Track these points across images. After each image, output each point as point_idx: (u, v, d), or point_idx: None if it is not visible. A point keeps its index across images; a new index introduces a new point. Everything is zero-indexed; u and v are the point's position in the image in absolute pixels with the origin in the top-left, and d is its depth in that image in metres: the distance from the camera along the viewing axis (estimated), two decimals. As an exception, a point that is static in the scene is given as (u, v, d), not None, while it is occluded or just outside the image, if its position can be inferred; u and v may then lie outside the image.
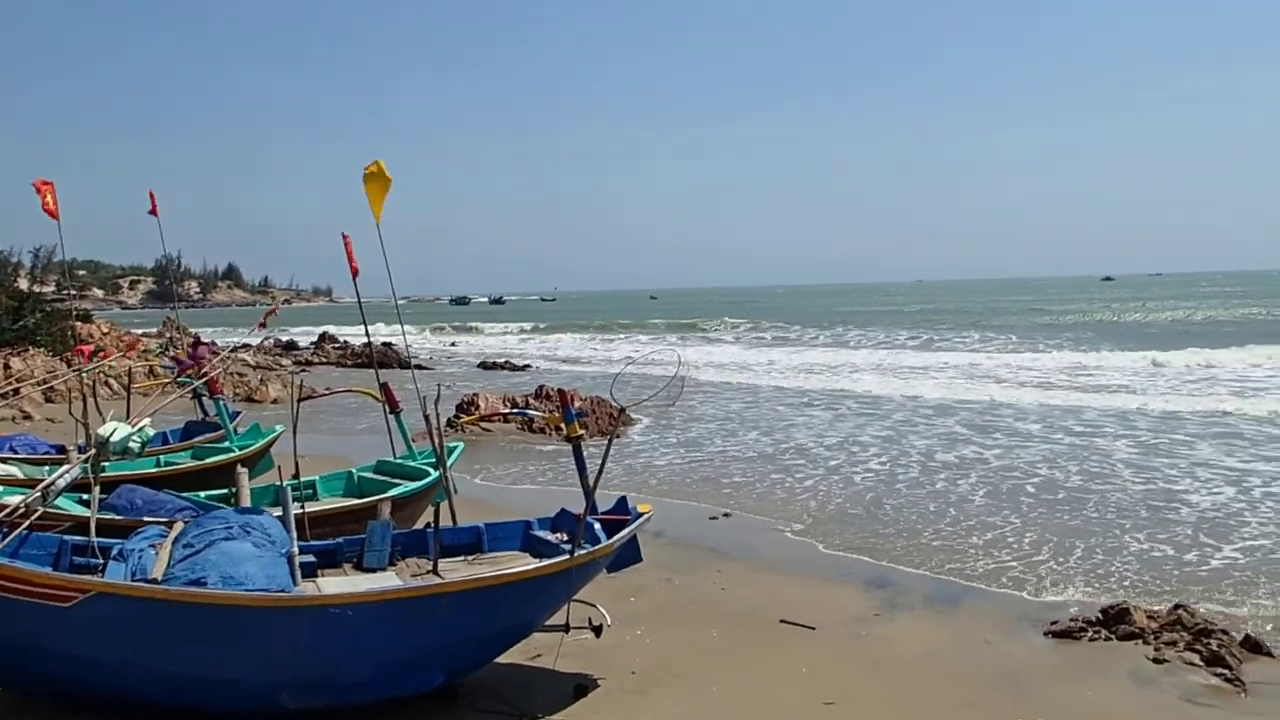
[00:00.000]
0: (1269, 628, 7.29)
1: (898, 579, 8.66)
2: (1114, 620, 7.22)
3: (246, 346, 28.09)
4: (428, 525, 6.36)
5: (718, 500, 11.94)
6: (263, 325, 14.69)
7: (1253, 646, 6.86)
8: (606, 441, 6.43)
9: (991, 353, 35.12)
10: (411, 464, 9.29)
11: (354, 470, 9.44)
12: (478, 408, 18.55)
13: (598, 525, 6.26)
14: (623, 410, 6.71)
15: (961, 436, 16.61)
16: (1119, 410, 19.24)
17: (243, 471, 7.31)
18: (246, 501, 6.83)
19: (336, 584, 5.75)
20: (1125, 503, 11.31)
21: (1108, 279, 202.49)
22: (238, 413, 12.76)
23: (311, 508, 7.62)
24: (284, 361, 35.71)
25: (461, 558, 6.37)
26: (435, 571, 5.96)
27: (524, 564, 5.84)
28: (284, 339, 44.86)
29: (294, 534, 5.60)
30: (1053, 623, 7.41)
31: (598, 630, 6.13)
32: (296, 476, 7.85)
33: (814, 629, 7.22)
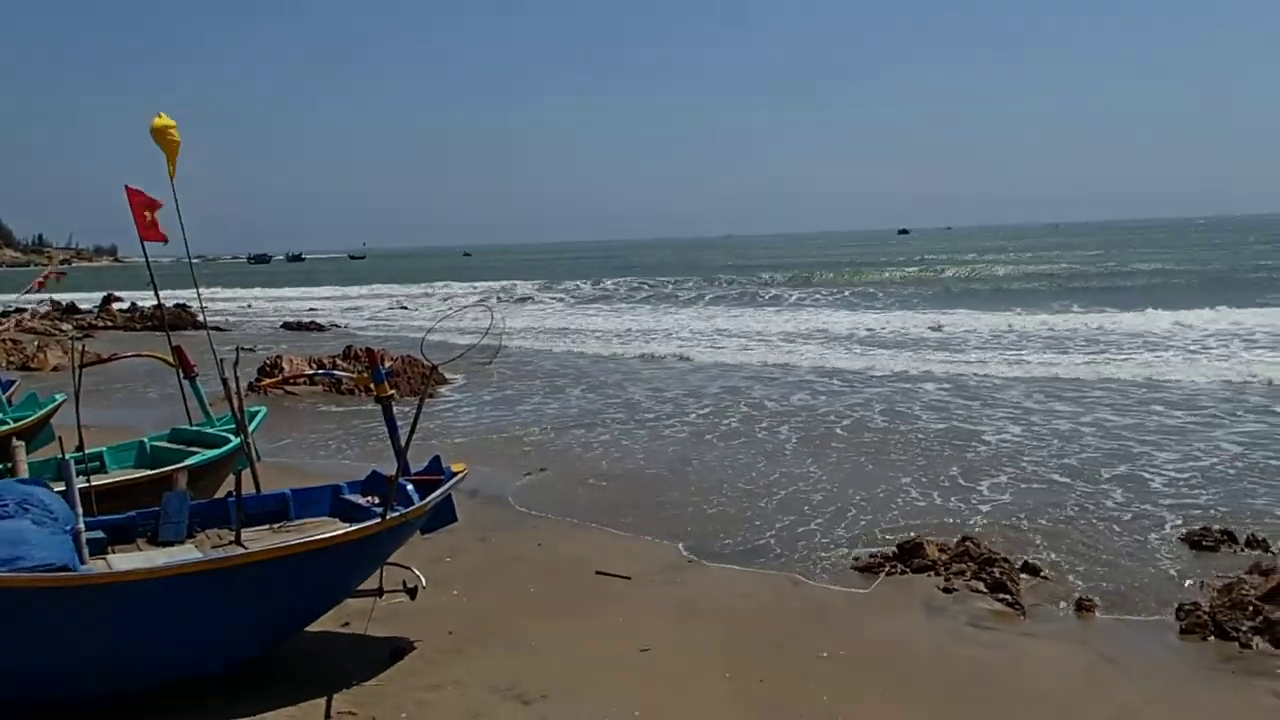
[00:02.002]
0: (1047, 554, 7.89)
1: (711, 528, 8.89)
2: (909, 555, 7.68)
3: (20, 310, 25.97)
4: (229, 494, 6.10)
5: (535, 457, 11.94)
6: (42, 285, 13.62)
7: (1032, 570, 7.46)
8: (418, 401, 6.29)
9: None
10: (209, 431, 8.84)
11: (146, 440, 8.90)
12: (281, 370, 17.83)
13: (410, 486, 6.15)
14: (434, 368, 6.59)
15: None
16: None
17: (19, 445, 6.77)
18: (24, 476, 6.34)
19: (129, 560, 5.43)
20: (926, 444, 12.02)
21: (904, 231, 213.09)
22: (12, 382, 11.83)
23: (99, 481, 7.15)
24: (64, 326, 33.16)
25: (267, 526, 6.13)
26: (238, 542, 5.72)
27: (333, 530, 5.67)
28: (63, 302, 41.65)
29: (79, 509, 5.25)
30: (855, 559, 7.83)
31: (412, 593, 6.04)
32: (81, 448, 7.37)
33: (629, 579, 7.35)
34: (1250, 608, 6.30)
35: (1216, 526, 8.15)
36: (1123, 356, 18.73)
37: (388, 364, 16.29)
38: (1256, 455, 10.88)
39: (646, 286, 53.52)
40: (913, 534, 8.08)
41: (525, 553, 8.12)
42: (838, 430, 13.04)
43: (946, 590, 7.08)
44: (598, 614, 6.67)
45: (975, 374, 17.41)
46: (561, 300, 47.02)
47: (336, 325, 35.29)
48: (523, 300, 48.20)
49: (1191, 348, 19.95)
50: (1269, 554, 7.58)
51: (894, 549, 7.83)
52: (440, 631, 6.27)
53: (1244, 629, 6.13)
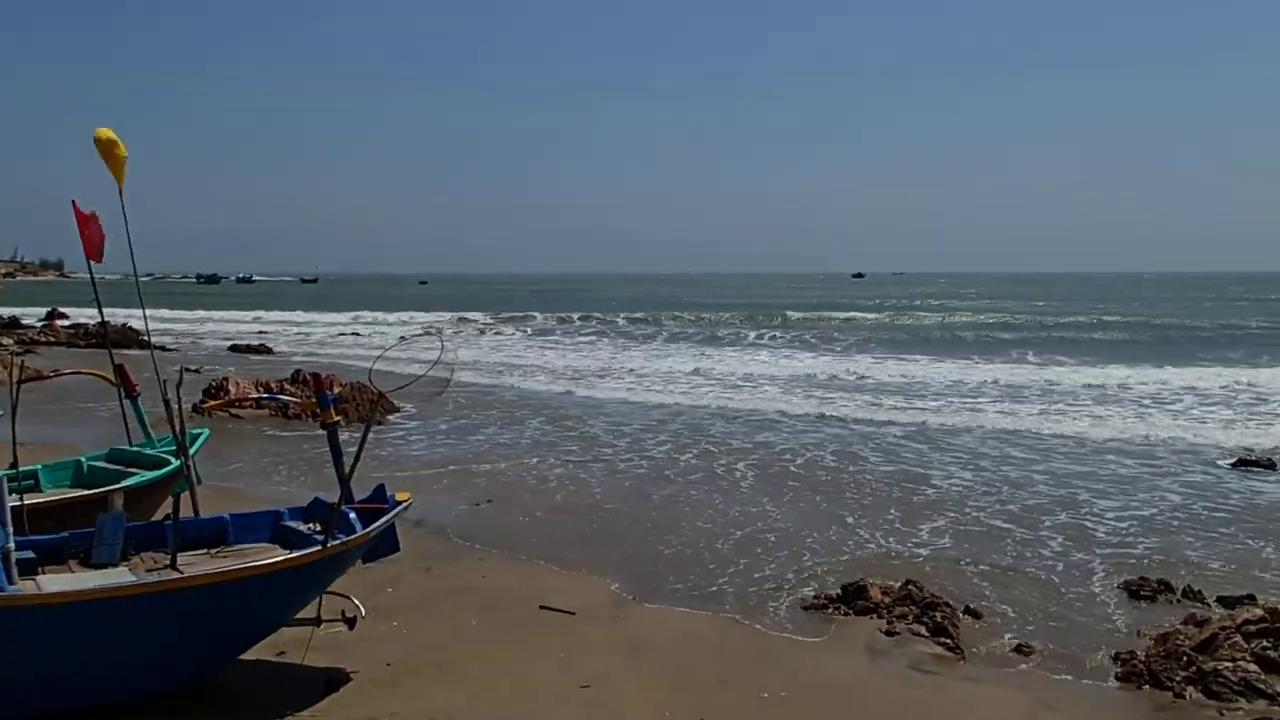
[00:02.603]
0: (991, 598, 7.96)
1: (657, 564, 8.86)
2: (853, 596, 7.72)
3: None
4: (167, 517, 5.98)
5: (483, 488, 11.83)
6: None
7: (974, 614, 7.54)
8: (364, 428, 6.23)
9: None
10: (149, 452, 8.66)
11: (83, 459, 8.69)
12: (227, 392, 17.57)
13: (353, 514, 6.07)
14: (381, 395, 6.53)
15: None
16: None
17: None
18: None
19: (59, 582, 5.29)
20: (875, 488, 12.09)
21: (859, 275, 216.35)
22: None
23: (32, 499, 6.97)
24: (4, 341, 32.39)
25: (204, 551, 6.01)
26: (173, 566, 5.60)
27: (272, 556, 5.57)
28: (5, 316, 40.73)
29: (9, 528, 5.12)
30: (800, 600, 7.84)
31: (351, 623, 5.94)
32: (15, 466, 7.20)
33: (574, 614, 7.29)
34: (1184, 658, 6.39)
35: (1154, 577, 8.28)
36: (1075, 410, 18.94)
37: (336, 390, 16.08)
38: (1197, 508, 11.10)
39: (600, 321, 53.52)
40: (859, 576, 8.12)
41: (469, 585, 8.02)
42: (792, 469, 13.14)
43: (889, 633, 7.12)
44: (539, 649, 6.60)
45: (933, 422, 17.50)
46: (520, 333, 46.59)
47: (286, 349, 34.84)
48: (480, 332, 47.95)
49: (1145, 403, 20.25)
50: (1204, 605, 7.71)
51: (839, 591, 7.86)
52: (378, 663, 6.17)
53: (1178, 679, 6.22)
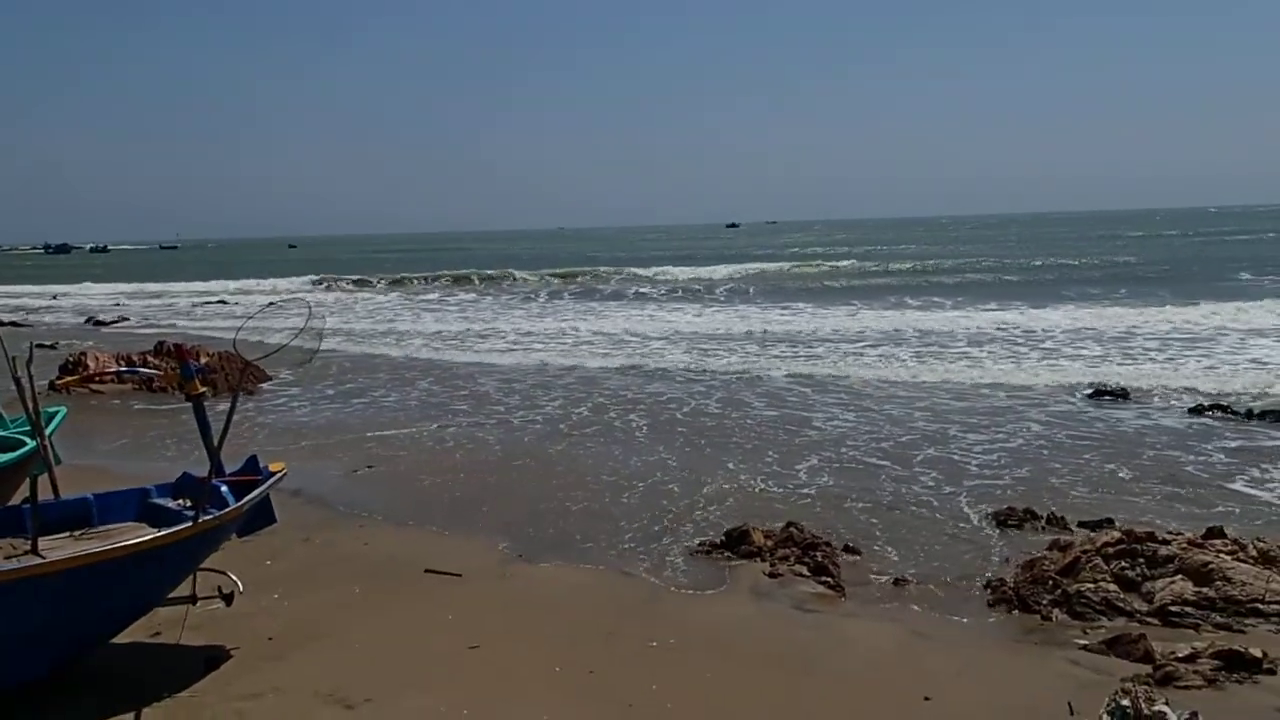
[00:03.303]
0: (869, 535, 8.22)
1: (538, 520, 8.85)
2: (736, 542, 7.87)
3: None
4: (25, 501, 5.67)
5: (365, 454, 11.60)
6: None
7: (853, 551, 7.78)
8: (232, 398, 6.00)
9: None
10: (1, 434, 8.19)
11: (-74, 445, 8.16)
12: (85, 368, 16.73)
13: (225, 488, 5.86)
14: (248, 364, 6.29)
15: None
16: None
17: None
18: None
19: (-92, 574, 4.97)
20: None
21: (733, 225, 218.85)
22: None
23: None
24: None
25: (67, 534, 5.72)
26: (34, 551, 5.31)
27: (139, 535, 5.34)
28: None
29: None
30: (685, 547, 7.95)
31: (228, 599, 5.76)
32: None
33: (460, 575, 7.23)
34: (1050, 582, 6.72)
35: (1021, 506, 8.67)
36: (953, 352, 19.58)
37: (203, 360, 15.53)
38: (1061, 436, 11.68)
39: (481, 281, 52.69)
40: (743, 521, 8.27)
41: (351, 553, 7.87)
42: (679, 416, 13.32)
43: (772, 575, 7.28)
44: (427, 613, 6.53)
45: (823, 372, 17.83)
46: (397, 295, 45.57)
47: (148, 321, 33.40)
48: (350, 293, 46.78)
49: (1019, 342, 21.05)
50: (1067, 530, 8.12)
51: (722, 537, 7.99)
52: (259, 637, 6.01)
53: (1044, 602, 6.54)
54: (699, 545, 7.96)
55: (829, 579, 7.18)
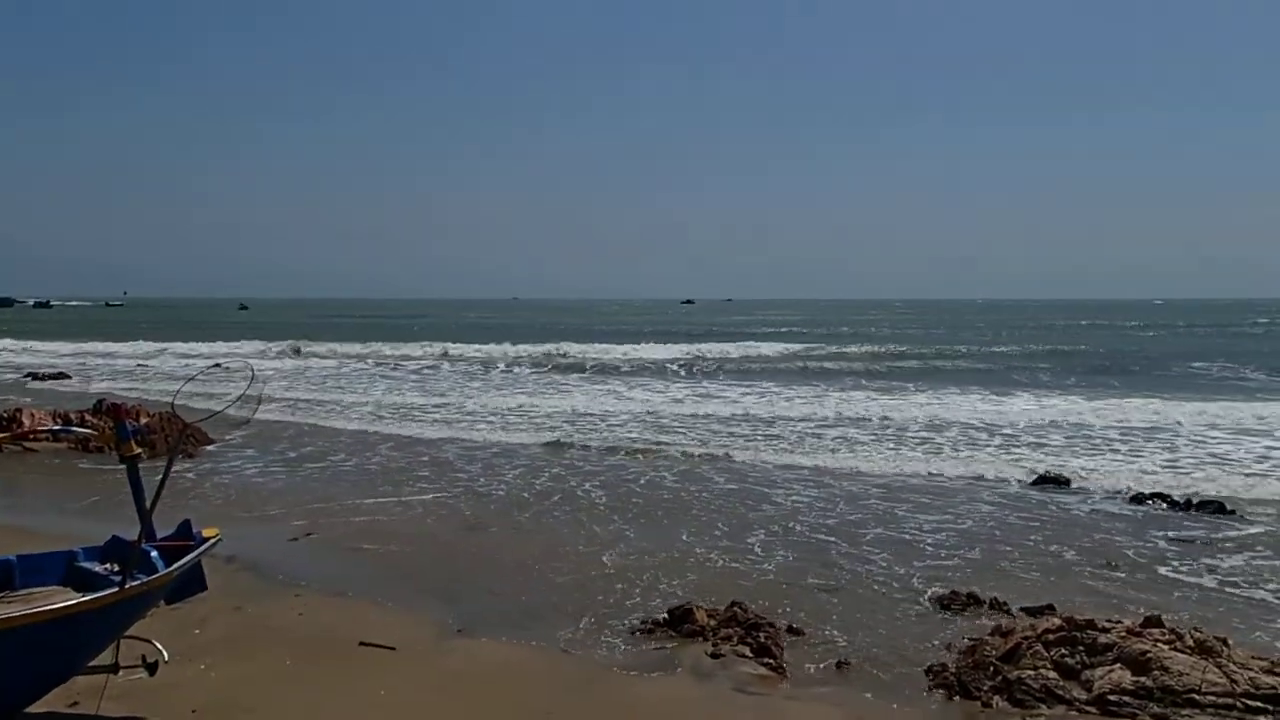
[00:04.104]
0: (812, 616, 8.17)
1: (481, 594, 8.68)
2: (679, 620, 7.76)
3: None
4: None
5: (307, 522, 11.36)
6: None
7: (796, 632, 7.72)
8: (167, 460, 5.86)
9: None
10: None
11: None
12: (20, 424, 16.33)
13: (155, 553, 5.69)
14: (186, 426, 6.17)
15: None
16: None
17: None
18: None
19: None
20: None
21: (688, 302, 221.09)
22: None
23: None
24: None
25: (-14, 596, 5.50)
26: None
27: (61, 600, 5.15)
28: None
29: None
30: (625, 626, 7.83)
31: (152, 668, 5.55)
32: None
33: (394, 649, 7.05)
34: (991, 668, 6.70)
35: (964, 590, 8.68)
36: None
37: (143, 420, 15.23)
38: (1013, 519, 11.77)
39: (441, 353, 51.68)
40: (687, 599, 8.19)
41: (285, 623, 7.65)
42: (635, 489, 13.17)
43: (714, 655, 7.18)
44: (358, 688, 6.34)
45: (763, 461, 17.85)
46: (354, 362, 44.31)
47: (89, 379, 32.72)
48: (304, 359, 46.03)
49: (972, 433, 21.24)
50: (1009, 615, 8.13)
51: (665, 615, 7.89)
52: (183, 709, 5.79)
53: (985, 688, 6.51)
54: (641, 624, 7.84)
55: (771, 660, 7.10)
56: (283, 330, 70.55)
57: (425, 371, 38.06)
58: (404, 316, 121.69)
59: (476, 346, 52.05)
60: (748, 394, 28.36)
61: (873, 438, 19.23)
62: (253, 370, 5.85)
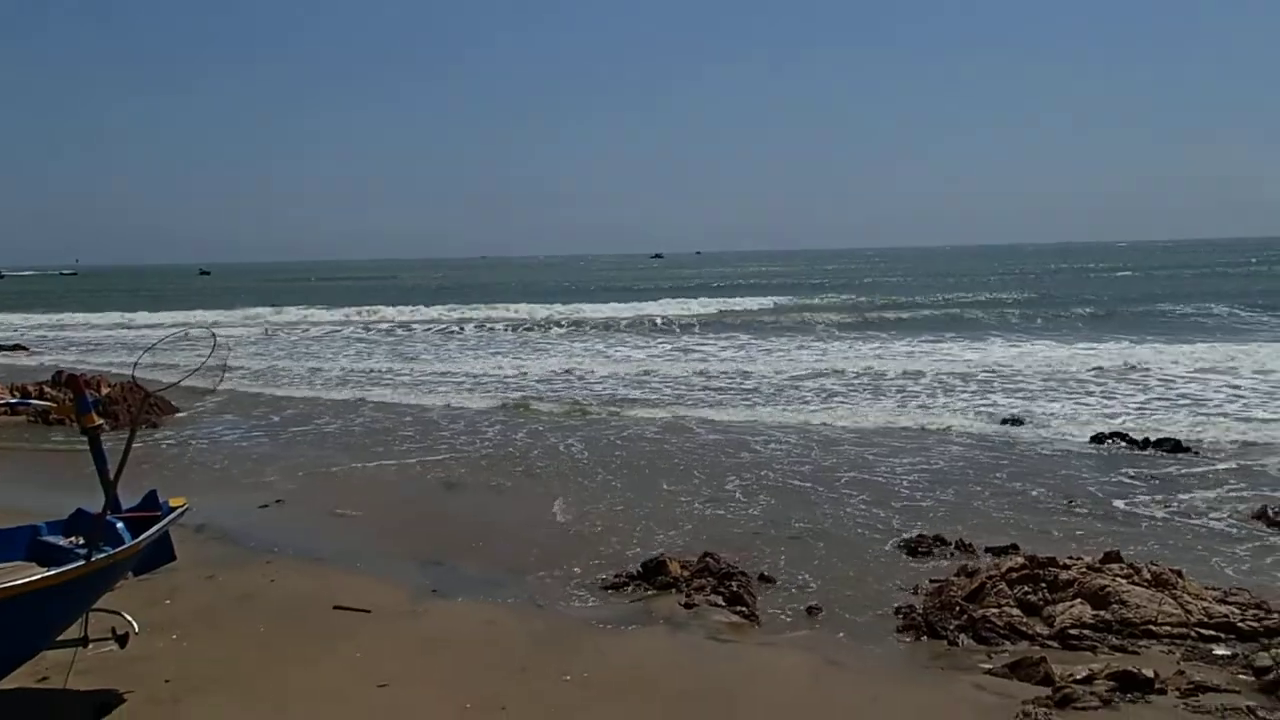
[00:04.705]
0: (781, 562, 8.29)
1: (457, 554, 8.71)
2: (653, 572, 7.85)
3: None
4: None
5: (274, 488, 11.33)
6: None
7: (768, 580, 7.84)
8: (130, 430, 5.79)
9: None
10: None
11: None
12: (-24, 399, 16.06)
13: (121, 524, 5.65)
14: (148, 396, 6.10)
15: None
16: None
17: None
18: None
19: None
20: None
21: (657, 256, 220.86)
22: None
23: None
24: None
25: (-53, 575, 5.44)
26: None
27: (25, 575, 5.11)
28: None
29: None
30: (600, 580, 7.91)
31: (122, 640, 5.53)
32: None
33: (369, 612, 7.07)
34: (957, 608, 6.84)
35: (931, 533, 8.82)
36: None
37: (104, 391, 15.07)
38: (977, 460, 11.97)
39: (410, 312, 51.08)
40: (660, 551, 8.27)
41: (257, 591, 7.64)
42: (601, 457, 13.19)
43: (688, 606, 7.27)
44: (334, 652, 6.35)
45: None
46: (318, 327, 43.27)
47: (46, 350, 32.24)
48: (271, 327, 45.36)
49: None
50: (974, 556, 8.29)
51: (639, 568, 7.97)
52: (156, 681, 5.77)
53: (951, 628, 6.65)
54: (615, 577, 7.91)
55: (744, 608, 7.20)
56: (248, 296, 69.56)
57: (399, 334, 37.77)
58: (365, 277, 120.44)
59: (450, 307, 51.51)
60: (727, 348, 28.45)
61: (849, 388, 19.37)
62: (215, 337, 5.77)
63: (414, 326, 40.78)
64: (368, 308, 50.56)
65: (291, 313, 51.51)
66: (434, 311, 49.16)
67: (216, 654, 6.26)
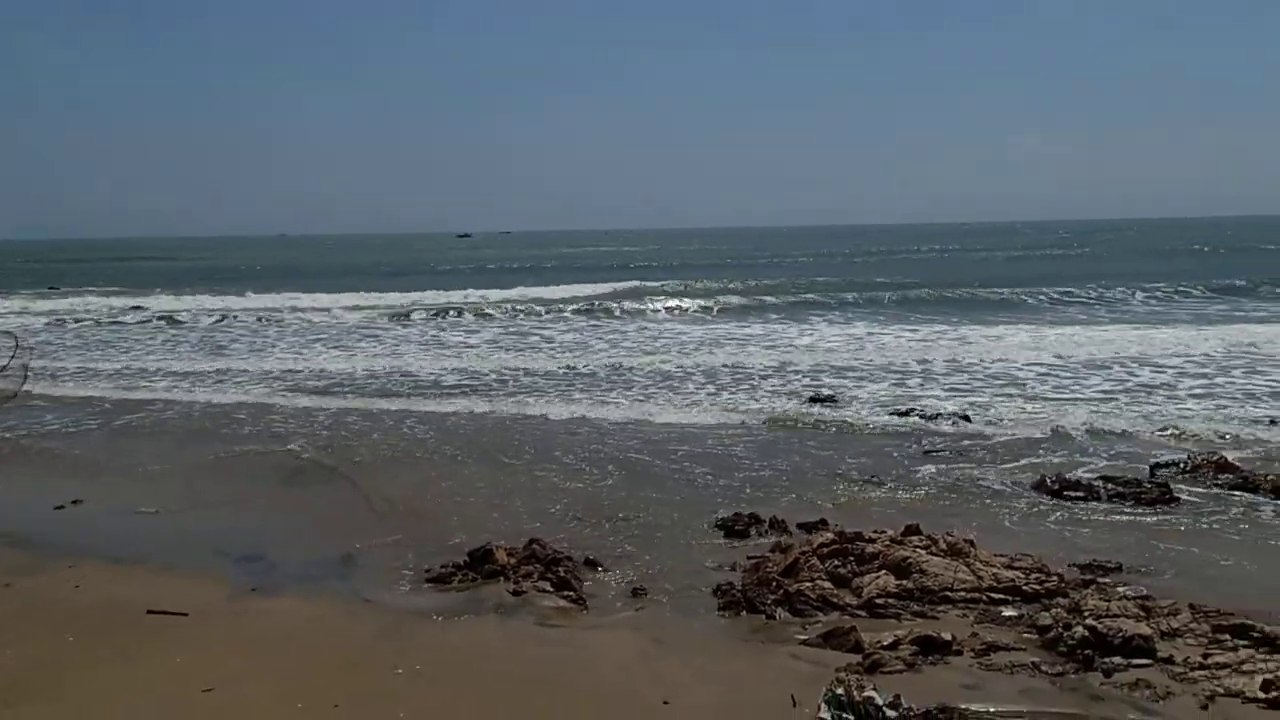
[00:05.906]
0: (606, 545, 8.50)
1: (275, 552, 8.52)
2: (479, 561, 7.91)
3: None
4: None
5: (73, 488, 10.71)
6: None
7: (593, 565, 8.02)
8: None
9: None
10: None
11: None
12: None
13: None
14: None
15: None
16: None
17: None
18: None
19: None
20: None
21: (465, 235, 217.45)
22: None
23: None
24: None
25: None
26: None
27: None
28: None
29: None
30: (426, 571, 7.90)
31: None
32: None
33: (187, 615, 6.85)
34: (773, 583, 7.23)
35: (747, 511, 9.22)
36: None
37: None
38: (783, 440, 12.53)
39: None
40: (485, 540, 8.33)
41: (59, 598, 7.27)
42: (417, 444, 13.06)
43: (516, 593, 7.38)
44: (152, 658, 6.14)
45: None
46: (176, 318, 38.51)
47: None
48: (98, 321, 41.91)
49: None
50: (787, 533, 8.74)
51: (465, 558, 8.01)
52: (-41, 700, 5.45)
53: (769, 602, 7.03)
54: (442, 567, 7.93)
55: (571, 593, 7.37)
56: (39, 276, 63.97)
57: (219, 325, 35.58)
58: (181, 258, 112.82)
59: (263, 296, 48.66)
60: (551, 340, 27.40)
61: (683, 374, 19.34)
62: (16, 339, 5.45)
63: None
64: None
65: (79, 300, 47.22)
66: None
67: (20, 669, 5.96)
